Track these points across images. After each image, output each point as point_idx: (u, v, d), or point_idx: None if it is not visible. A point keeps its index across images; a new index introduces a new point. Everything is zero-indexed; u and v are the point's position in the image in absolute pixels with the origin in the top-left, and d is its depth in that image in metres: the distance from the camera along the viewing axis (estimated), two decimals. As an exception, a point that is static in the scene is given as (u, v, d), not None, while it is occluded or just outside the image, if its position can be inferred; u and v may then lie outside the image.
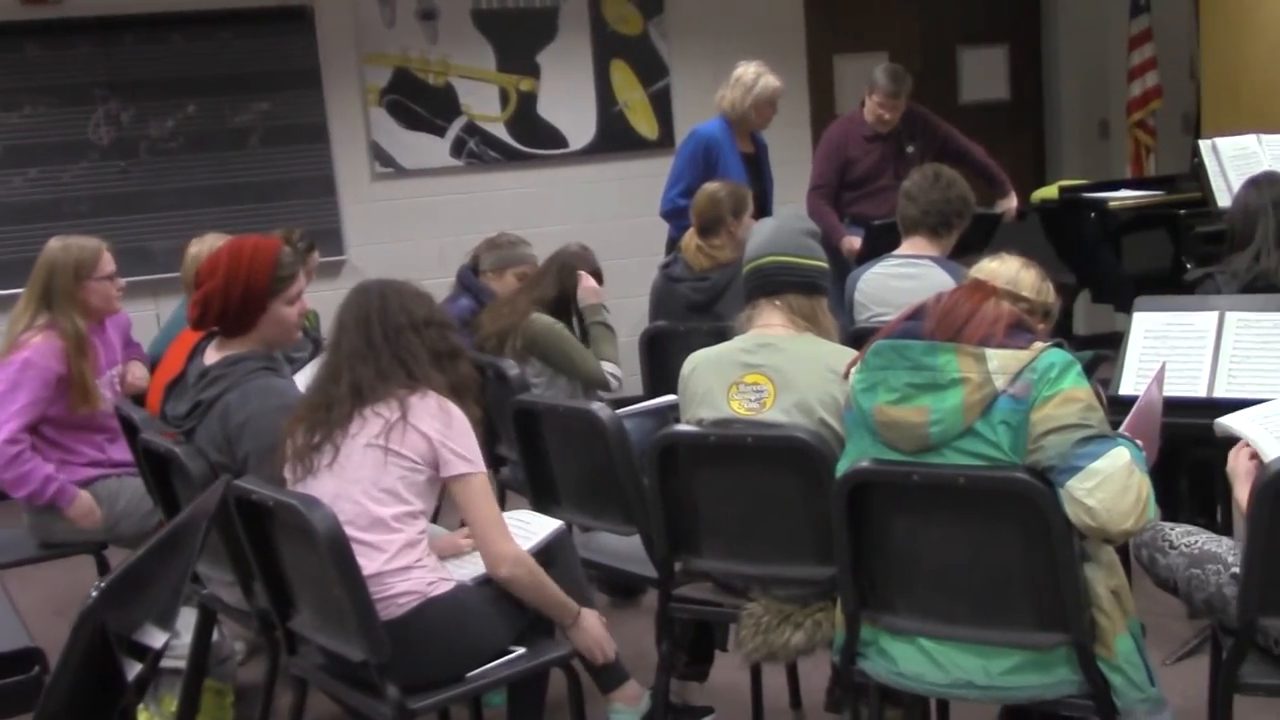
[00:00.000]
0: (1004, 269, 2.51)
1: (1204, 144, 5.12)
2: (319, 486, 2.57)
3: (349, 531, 2.45)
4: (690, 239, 4.40)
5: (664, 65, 6.60)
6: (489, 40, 6.39)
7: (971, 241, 4.07)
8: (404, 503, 2.57)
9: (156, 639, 1.80)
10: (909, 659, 2.36)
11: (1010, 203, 5.42)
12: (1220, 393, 3.20)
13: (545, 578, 2.68)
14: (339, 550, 2.40)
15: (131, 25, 5.91)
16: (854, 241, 5.13)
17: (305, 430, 2.61)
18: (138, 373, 4.00)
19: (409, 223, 6.36)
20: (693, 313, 4.23)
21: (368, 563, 2.48)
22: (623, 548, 3.14)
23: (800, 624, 2.64)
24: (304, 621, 2.67)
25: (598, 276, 4.12)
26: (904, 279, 3.77)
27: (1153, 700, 2.28)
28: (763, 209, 5.18)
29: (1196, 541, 2.61)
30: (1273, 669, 2.40)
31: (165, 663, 3.30)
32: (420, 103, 6.34)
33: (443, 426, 2.58)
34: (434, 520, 3.05)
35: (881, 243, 4.30)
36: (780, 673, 3.29)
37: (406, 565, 2.54)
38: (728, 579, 2.82)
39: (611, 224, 6.33)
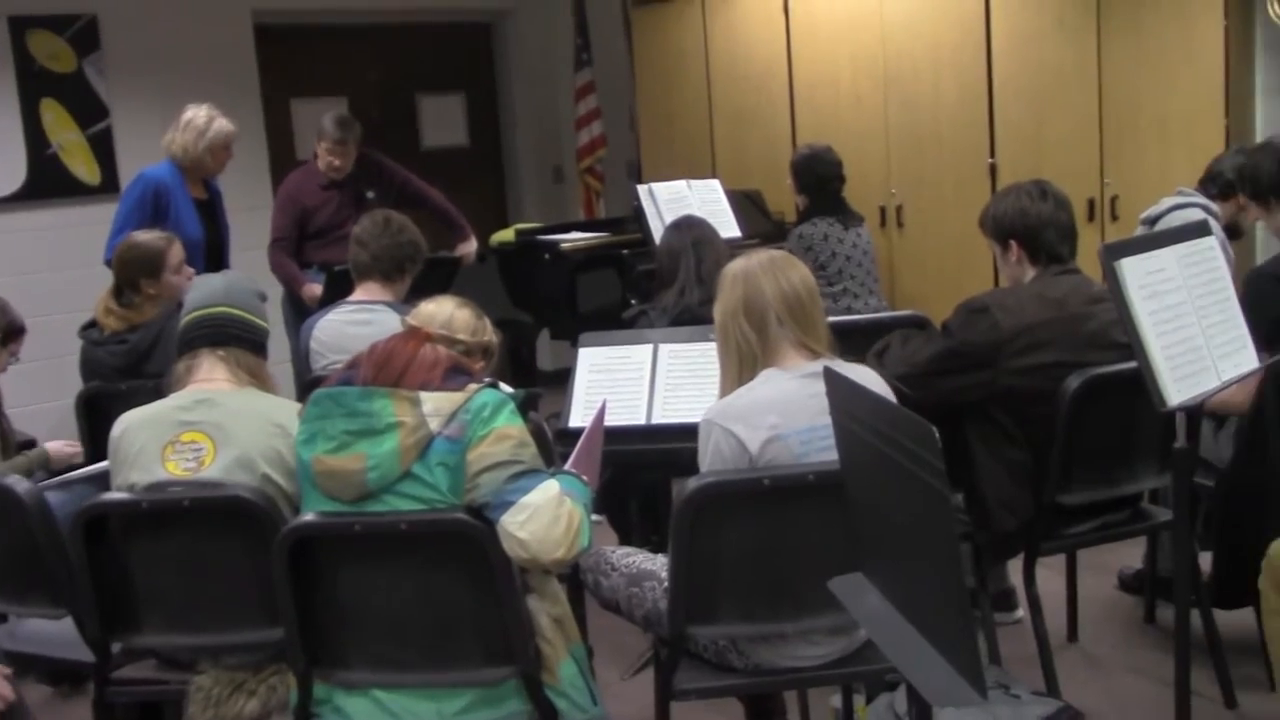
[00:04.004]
0: (439, 311, 2.53)
1: (642, 189, 5.52)
2: None
3: None
4: (102, 298, 3.96)
5: (104, 105, 6.14)
6: (-114, 74, 5.66)
7: (432, 284, 4.09)
8: None
9: None
10: (362, 712, 2.31)
11: (469, 246, 5.55)
12: (658, 419, 3.43)
13: None
14: None
15: None
16: (315, 289, 5.03)
17: None
18: None
19: None
20: (120, 376, 3.88)
21: None
22: (56, 632, 2.84)
23: (254, 691, 2.53)
24: None
25: (18, 330, 3.73)
26: (359, 325, 3.73)
27: (595, 719, 2.38)
28: (219, 257, 4.96)
29: (635, 561, 2.77)
30: (707, 673, 2.58)
31: None
32: None
33: None
34: None
35: (342, 289, 4.23)
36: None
37: None
38: (173, 653, 2.65)
39: (47, 276, 5.78)
